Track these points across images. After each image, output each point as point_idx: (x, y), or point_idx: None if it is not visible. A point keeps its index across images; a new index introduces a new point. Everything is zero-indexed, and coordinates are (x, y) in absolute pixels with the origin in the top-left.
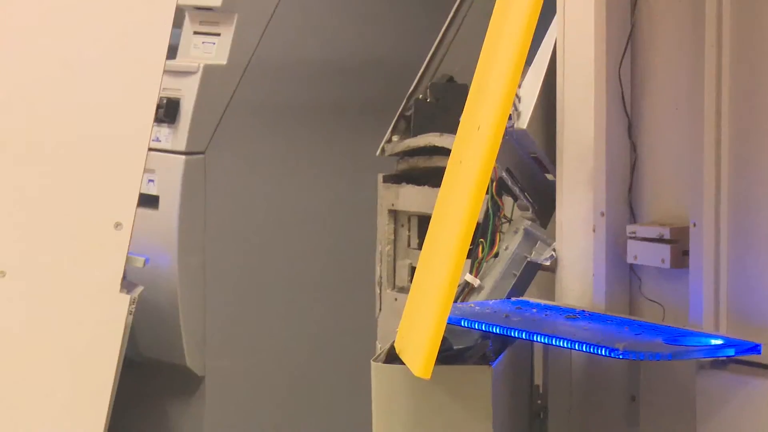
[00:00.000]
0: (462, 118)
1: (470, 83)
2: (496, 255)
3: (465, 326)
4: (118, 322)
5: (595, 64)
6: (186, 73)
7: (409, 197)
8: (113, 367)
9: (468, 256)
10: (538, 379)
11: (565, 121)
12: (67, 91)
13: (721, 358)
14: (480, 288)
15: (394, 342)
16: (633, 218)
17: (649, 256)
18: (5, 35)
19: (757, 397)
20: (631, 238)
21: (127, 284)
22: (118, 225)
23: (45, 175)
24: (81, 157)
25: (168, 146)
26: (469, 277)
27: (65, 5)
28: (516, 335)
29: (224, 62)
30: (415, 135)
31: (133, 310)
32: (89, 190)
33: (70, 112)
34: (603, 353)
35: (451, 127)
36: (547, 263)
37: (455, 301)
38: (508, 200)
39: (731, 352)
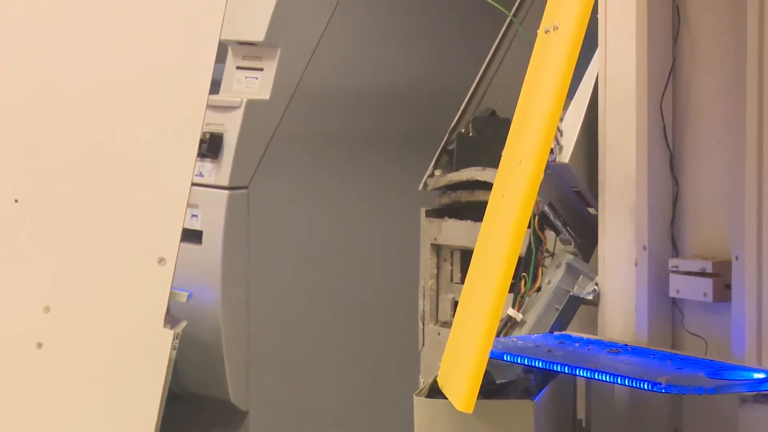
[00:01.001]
0: (504, 152)
1: (512, 117)
2: (539, 289)
3: (507, 360)
4: (161, 357)
5: (636, 97)
6: (229, 108)
7: (452, 231)
8: (157, 401)
9: (510, 291)
10: (581, 414)
11: (606, 155)
12: (112, 126)
13: (763, 392)
14: (522, 322)
15: (436, 376)
16: (675, 252)
17: (692, 290)
18: (51, 73)
19: None
20: (673, 272)
21: (170, 319)
22: (161, 260)
23: (89, 211)
24: (124, 192)
25: (211, 181)
26: (511, 312)
27: (110, 41)
28: (558, 369)
29: (267, 97)
30: (457, 169)
31: (177, 344)
32: (133, 225)
33: (114, 148)
34: (646, 387)
35: (494, 161)
36: (590, 297)
37: (498, 336)
38: (550, 234)
39: None
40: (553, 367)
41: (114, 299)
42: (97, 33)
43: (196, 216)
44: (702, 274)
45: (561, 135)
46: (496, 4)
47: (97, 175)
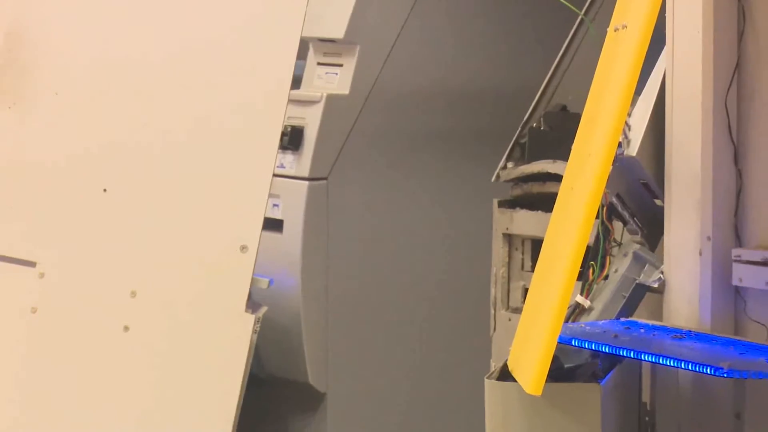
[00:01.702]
0: (574, 146)
1: (582, 112)
2: (606, 277)
3: (575, 345)
4: (243, 341)
5: (702, 94)
6: (310, 102)
7: (523, 221)
8: (238, 383)
9: (579, 278)
10: (646, 397)
11: (673, 149)
12: (198, 120)
13: None
14: (590, 309)
15: (507, 360)
16: (738, 242)
17: (754, 278)
18: (139, 66)
19: None
20: (736, 261)
21: (252, 304)
22: (243, 248)
23: (174, 200)
24: (209, 182)
25: (292, 172)
26: (579, 299)
27: (197, 38)
28: (625, 354)
29: (346, 92)
30: (529, 162)
31: (258, 329)
32: (217, 214)
33: (200, 140)
34: (709, 372)
35: (564, 155)
36: (656, 285)
37: (566, 322)
38: (618, 224)
39: None
40: (619, 352)
41: (197, 285)
42: (185, 29)
43: (277, 206)
44: (764, 263)
45: (629, 129)
46: (568, 4)
47: (182, 165)
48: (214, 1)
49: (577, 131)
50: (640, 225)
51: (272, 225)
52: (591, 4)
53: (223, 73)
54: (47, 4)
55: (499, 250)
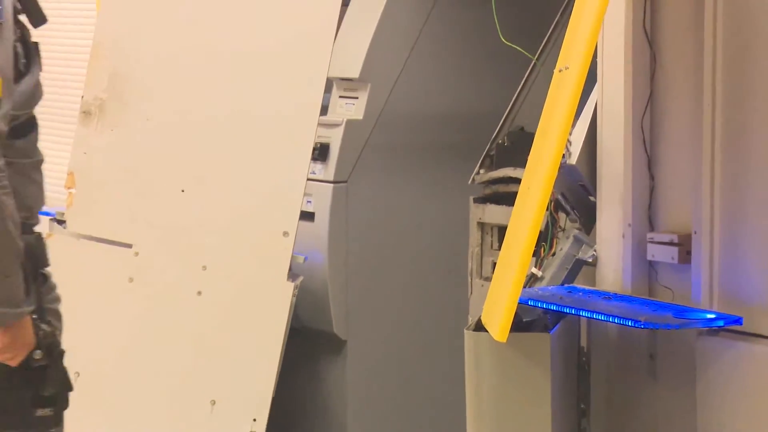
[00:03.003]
0: (529, 157)
1: (536, 131)
2: (554, 254)
3: (531, 305)
4: (285, 303)
5: (624, 117)
6: (333, 125)
7: (492, 213)
8: (282, 333)
9: (534, 255)
10: (584, 342)
11: (603, 158)
12: (252, 139)
13: (714, 328)
14: (542, 278)
15: (480, 316)
16: (651, 228)
17: (663, 254)
18: (212, 106)
19: (740, 356)
20: (650, 242)
21: (291, 275)
22: (285, 233)
23: (235, 197)
24: (260, 184)
25: (321, 177)
26: (534, 270)
27: (247, 74)
28: (567, 311)
29: (360, 117)
30: (496, 169)
31: (296, 293)
32: (266, 208)
33: (253, 154)
34: (630, 324)
35: (522, 163)
36: (590, 260)
37: (524, 287)
38: (562, 215)
39: (721, 323)
40: (563, 310)
41: (252, 261)
42: (248, 73)
43: (310, 201)
44: (671, 243)
45: (570, 144)
46: (524, 52)
47: (241, 171)
48: (263, 50)
49: (532, 146)
50: (578, 216)
51: (306, 216)
52: (542, 51)
53: (270, 105)
54: (140, 52)
55: (474, 234)
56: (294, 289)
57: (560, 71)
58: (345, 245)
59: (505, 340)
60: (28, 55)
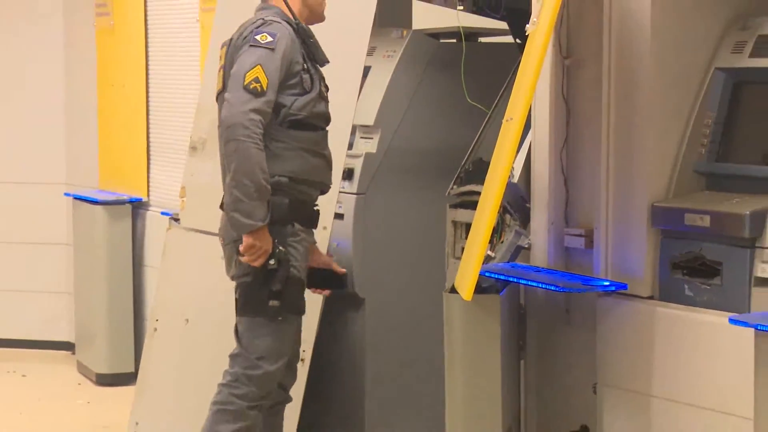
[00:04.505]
0: (486, 177)
1: (491, 160)
2: (502, 242)
3: (487, 276)
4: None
5: (549, 151)
6: (356, 156)
7: (462, 215)
8: (320, 297)
9: (489, 243)
10: (522, 301)
11: (535, 178)
12: None
13: (608, 291)
14: (494, 258)
15: (454, 283)
16: (567, 224)
17: (575, 242)
18: None
19: (625, 310)
20: (566, 234)
21: (328, 255)
22: (324, 227)
23: None
24: None
25: (348, 190)
26: (489, 252)
27: None
28: (512, 280)
29: (374, 151)
30: (464, 185)
31: None
32: None
33: None
34: (552, 288)
35: (482, 182)
36: (526, 246)
37: (483, 264)
38: (507, 216)
39: (613, 288)
40: (509, 279)
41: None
42: None
43: (341, 206)
44: (579, 235)
45: (513, 169)
46: (483, 108)
47: None
48: None
49: (488, 170)
50: (518, 217)
51: (338, 216)
52: (495, 106)
53: None
54: None
55: (449, 228)
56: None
57: (507, 121)
58: (363, 235)
59: (470, 299)
60: (312, 82)
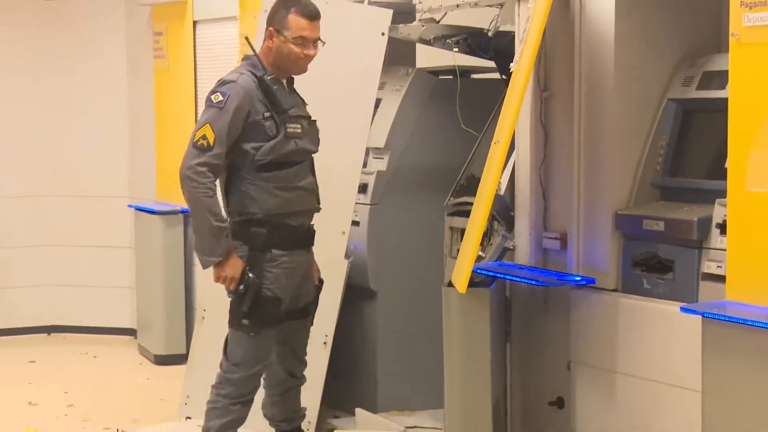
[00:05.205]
0: (478, 190)
1: (481, 177)
2: (491, 244)
3: (478, 272)
4: (343, 270)
5: (530, 169)
6: (369, 173)
7: (457, 222)
8: (341, 286)
9: (480, 245)
10: (508, 293)
11: (518, 191)
12: (331, 185)
13: (580, 285)
14: (484, 257)
15: (451, 278)
16: (545, 229)
17: (552, 244)
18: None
19: (593, 300)
20: (545, 237)
21: (347, 255)
22: (343, 232)
23: (325, 215)
24: (333, 206)
25: (363, 201)
26: (480, 253)
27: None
28: (499, 276)
29: (384, 169)
30: (459, 197)
31: (349, 266)
32: (335, 219)
33: (331, 192)
34: (533, 283)
35: (474, 194)
36: (511, 248)
37: (475, 262)
38: (495, 223)
39: (583, 282)
40: (496, 275)
41: (329, 249)
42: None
43: (357, 214)
44: (556, 238)
45: (500, 183)
46: (474, 132)
47: (328, 193)
48: (338, 135)
49: (479, 185)
50: (505, 223)
51: (354, 223)
52: (485, 131)
53: (339, 162)
54: None
55: (447, 233)
56: (348, 263)
57: (494, 143)
58: (375, 239)
59: (465, 292)
60: (278, 129)
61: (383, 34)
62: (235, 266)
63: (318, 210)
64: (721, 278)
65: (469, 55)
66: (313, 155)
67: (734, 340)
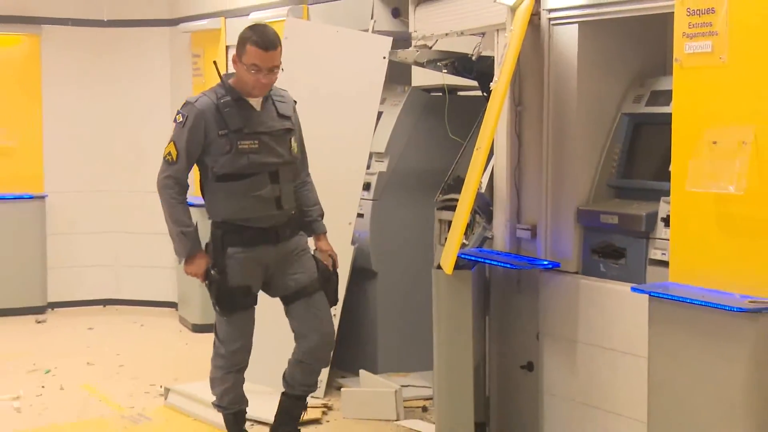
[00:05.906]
0: (462, 189)
1: (465, 178)
2: (473, 234)
3: (462, 257)
4: (349, 257)
5: (506, 170)
6: (372, 174)
7: (445, 215)
8: (347, 272)
9: (464, 234)
10: (487, 275)
11: (496, 189)
12: (340, 183)
13: (547, 268)
14: (468, 245)
15: (440, 261)
16: (519, 221)
17: (524, 234)
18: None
19: (558, 282)
20: (518, 228)
21: (353, 242)
22: (350, 223)
23: (335, 209)
24: (341, 199)
25: (366, 197)
26: (464, 241)
27: (337, 152)
28: (480, 260)
29: (385, 170)
30: (447, 194)
31: (354, 251)
32: (341, 210)
33: (340, 189)
34: (508, 266)
35: (459, 192)
36: (490, 237)
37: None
38: (477, 216)
39: (550, 266)
40: (478, 259)
41: (339, 234)
42: (330, 153)
43: (361, 208)
44: (527, 229)
45: (481, 183)
46: (460, 140)
47: (337, 195)
48: (344, 141)
49: (464, 184)
50: (485, 216)
51: (360, 216)
52: (469, 139)
53: (346, 165)
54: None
55: (437, 224)
56: (354, 249)
57: (476, 149)
58: (377, 228)
59: (451, 273)
60: (231, 146)
61: (384, 57)
62: (199, 264)
63: (283, 214)
64: (665, 263)
65: (456, 75)
66: (286, 164)
67: (676, 314)
